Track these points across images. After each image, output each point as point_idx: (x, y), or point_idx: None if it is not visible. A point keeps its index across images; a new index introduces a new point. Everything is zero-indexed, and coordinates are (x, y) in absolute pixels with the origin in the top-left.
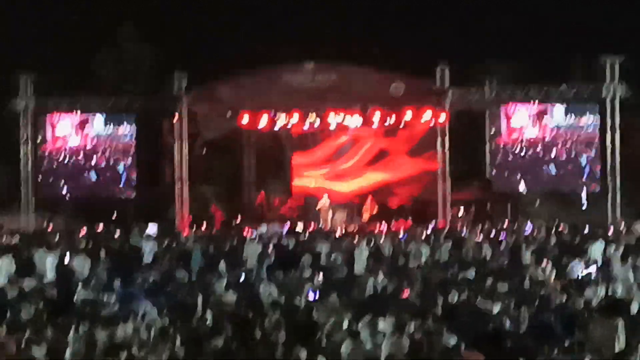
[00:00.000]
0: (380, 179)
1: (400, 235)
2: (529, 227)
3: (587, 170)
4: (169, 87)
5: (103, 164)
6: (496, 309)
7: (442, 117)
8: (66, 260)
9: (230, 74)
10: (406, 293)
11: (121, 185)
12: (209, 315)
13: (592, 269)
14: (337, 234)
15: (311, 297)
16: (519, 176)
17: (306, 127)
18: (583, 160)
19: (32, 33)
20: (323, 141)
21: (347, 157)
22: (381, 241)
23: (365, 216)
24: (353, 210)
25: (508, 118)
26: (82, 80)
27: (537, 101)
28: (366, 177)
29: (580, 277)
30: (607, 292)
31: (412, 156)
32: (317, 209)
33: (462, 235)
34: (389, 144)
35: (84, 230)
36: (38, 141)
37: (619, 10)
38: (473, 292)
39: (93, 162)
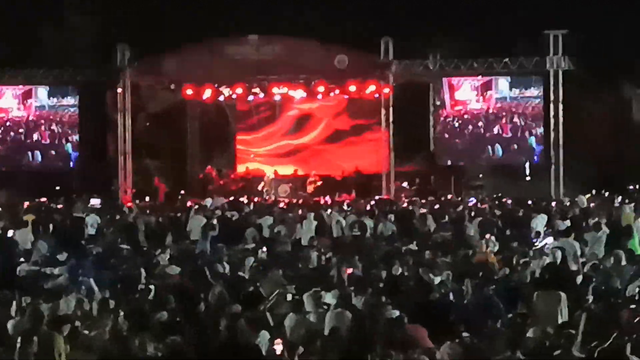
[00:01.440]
0: (322, 152)
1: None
2: (472, 200)
3: (530, 143)
4: (112, 59)
5: (46, 137)
6: (437, 280)
7: (386, 90)
8: (9, 233)
9: (173, 46)
10: (349, 271)
11: (64, 158)
12: (152, 288)
13: (549, 240)
14: (281, 207)
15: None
16: (462, 149)
17: (250, 99)
18: (527, 133)
19: None
20: (267, 114)
21: (291, 130)
22: (326, 214)
23: (310, 189)
24: (297, 183)
25: (452, 91)
26: (25, 52)
27: (480, 74)
28: (309, 151)
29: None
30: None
31: (355, 129)
32: (262, 182)
33: (405, 207)
34: (332, 117)
35: (26, 203)
36: None
37: None
38: (416, 265)
39: (36, 135)
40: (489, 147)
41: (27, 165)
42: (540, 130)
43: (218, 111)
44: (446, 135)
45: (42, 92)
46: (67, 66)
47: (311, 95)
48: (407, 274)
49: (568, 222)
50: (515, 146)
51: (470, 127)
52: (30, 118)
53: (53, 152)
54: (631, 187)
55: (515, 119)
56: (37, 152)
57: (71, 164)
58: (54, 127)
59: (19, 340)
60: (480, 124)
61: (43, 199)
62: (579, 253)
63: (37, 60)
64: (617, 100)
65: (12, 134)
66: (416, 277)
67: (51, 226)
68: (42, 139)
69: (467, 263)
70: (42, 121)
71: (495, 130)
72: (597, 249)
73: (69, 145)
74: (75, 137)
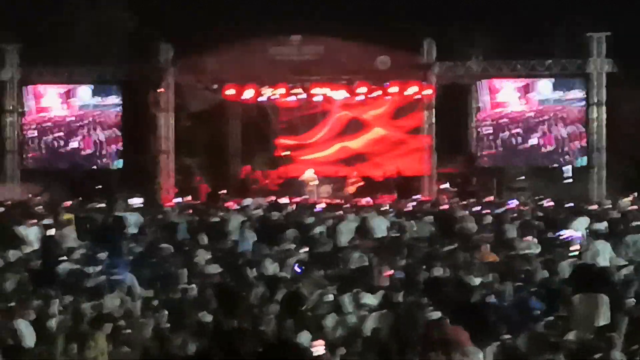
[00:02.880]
0: (361, 151)
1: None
2: (513, 202)
3: (572, 145)
4: (155, 58)
5: (89, 135)
6: (477, 282)
7: (428, 91)
8: (52, 231)
9: (216, 46)
10: (389, 272)
11: (106, 157)
12: (194, 287)
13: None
14: (322, 207)
15: (298, 270)
16: (502, 151)
17: (292, 99)
18: (569, 135)
19: (18, 3)
20: (309, 114)
21: (325, 129)
22: (367, 215)
23: (351, 189)
24: (338, 184)
25: (494, 92)
26: (68, 51)
27: (523, 75)
28: (344, 149)
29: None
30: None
31: (396, 129)
32: (303, 182)
33: (446, 209)
34: (375, 118)
35: (69, 202)
36: (25, 111)
37: None
38: (457, 266)
39: (79, 133)
40: (530, 148)
41: (70, 164)
42: (579, 130)
43: (259, 111)
44: (487, 137)
45: (85, 90)
46: (110, 65)
47: (353, 96)
48: (447, 276)
49: (606, 224)
50: (556, 147)
51: (511, 128)
52: (73, 117)
53: (96, 151)
54: None
55: (556, 120)
56: (80, 150)
57: (114, 163)
58: (97, 126)
59: (61, 338)
60: (521, 125)
61: (86, 197)
62: (612, 255)
63: (79, 58)
64: None
65: (55, 133)
66: (456, 279)
67: (92, 225)
68: (85, 138)
69: (509, 265)
70: (86, 120)
71: (537, 132)
72: (638, 252)
73: (111, 143)
74: (118, 136)
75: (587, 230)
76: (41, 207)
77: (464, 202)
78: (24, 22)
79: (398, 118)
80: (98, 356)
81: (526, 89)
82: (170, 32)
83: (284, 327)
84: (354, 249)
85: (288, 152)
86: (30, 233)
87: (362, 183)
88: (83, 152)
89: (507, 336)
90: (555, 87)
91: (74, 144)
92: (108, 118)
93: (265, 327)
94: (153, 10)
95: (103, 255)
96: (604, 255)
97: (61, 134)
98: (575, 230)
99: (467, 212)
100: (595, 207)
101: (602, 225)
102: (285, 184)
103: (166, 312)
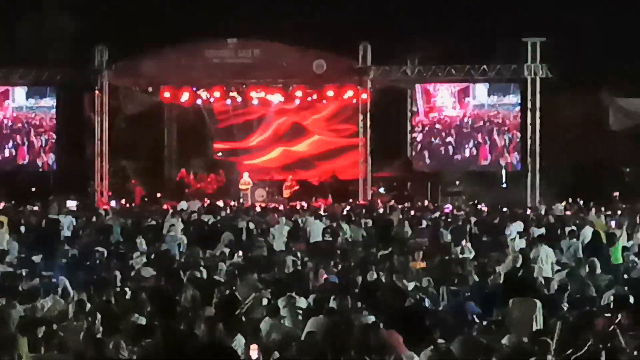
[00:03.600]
0: (301, 155)
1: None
2: (448, 207)
3: (507, 149)
4: (91, 60)
5: (23, 138)
6: (411, 286)
7: (364, 95)
8: None
9: (152, 49)
10: (324, 276)
11: (41, 159)
12: (127, 290)
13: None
14: (257, 211)
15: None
16: (438, 155)
17: (228, 102)
18: (503, 139)
19: None
20: (244, 119)
21: (266, 134)
22: (301, 219)
23: (286, 193)
24: (274, 188)
25: (429, 97)
26: (3, 52)
27: (459, 80)
28: (285, 153)
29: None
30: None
31: (333, 134)
32: (238, 186)
33: (382, 213)
34: (310, 121)
35: (1, 204)
36: None
37: None
38: (391, 271)
39: (13, 136)
40: (466, 154)
41: (2, 166)
42: (513, 135)
43: (196, 114)
44: (423, 141)
45: (20, 92)
46: (45, 67)
47: (289, 100)
48: (383, 280)
49: (543, 230)
50: (491, 152)
51: (447, 133)
52: (8, 119)
53: (30, 154)
54: (616, 194)
55: (492, 126)
56: (13, 153)
57: (48, 165)
58: (31, 128)
59: None
60: (457, 129)
61: (17, 201)
62: (554, 260)
63: (15, 60)
64: (594, 107)
65: None
66: (391, 283)
67: (26, 227)
68: (18, 140)
69: (443, 269)
70: (20, 123)
71: (472, 137)
72: (572, 257)
73: (45, 145)
74: (53, 139)
75: (519, 235)
76: None
77: (400, 206)
78: None
79: (336, 122)
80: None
81: (461, 94)
82: (105, 34)
83: (218, 330)
84: (289, 253)
85: (220, 154)
86: None
87: (297, 187)
88: (17, 154)
89: (442, 341)
90: (491, 92)
91: (8, 146)
92: (43, 120)
93: (198, 331)
94: (89, 12)
95: (37, 257)
96: (547, 260)
97: None
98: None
99: (401, 216)
100: (529, 212)
101: (539, 231)
102: (221, 187)
103: (99, 316)
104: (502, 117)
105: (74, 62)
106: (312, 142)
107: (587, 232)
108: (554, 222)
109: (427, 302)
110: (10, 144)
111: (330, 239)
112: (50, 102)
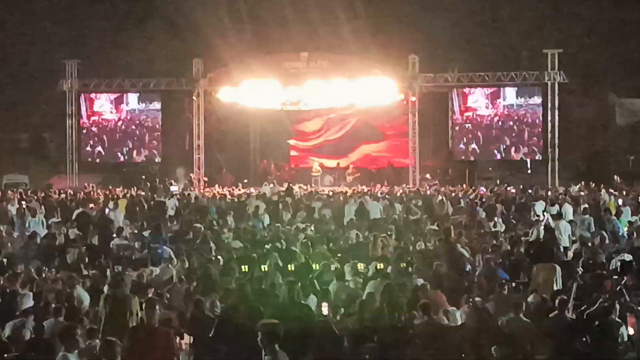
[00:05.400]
0: (364, 151)
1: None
2: (482, 189)
3: (532, 142)
4: (189, 71)
5: (135, 135)
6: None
7: (413, 99)
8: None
9: (238, 61)
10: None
11: (150, 152)
12: (220, 259)
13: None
14: (327, 194)
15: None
16: (475, 147)
17: (302, 107)
18: (529, 134)
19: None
20: (315, 119)
21: (335, 131)
22: (363, 199)
23: (349, 179)
24: (338, 174)
25: (464, 99)
26: (117, 66)
27: (491, 85)
28: (354, 150)
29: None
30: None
31: (388, 130)
32: (310, 173)
33: (429, 195)
34: (372, 123)
35: (119, 189)
36: (84, 114)
37: (560, 9)
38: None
39: (129, 134)
40: (497, 145)
41: (121, 159)
42: (537, 130)
43: (274, 115)
44: (461, 136)
45: (133, 98)
46: (152, 77)
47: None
48: (430, 249)
49: (558, 207)
50: (518, 145)
51: (480, 129)
52: (123, 119)
53: (141, 148)
54: (617, 177)
55: (519, 123)
56: (130, 146)
57: (155, 157)
58: (142, 127)
59: (102, 299)
60: (488, 126)
61: (130, 187)
62: (570, 233)
63: (128, 72)
64: (603, 107)
65: (108, 132)
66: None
67: (138, 208)
68: (133, 138)
69: (479, 241)
70: (133, 123)
71: (502, 132)
72: (585, 230)
73: (154, 142)
74: (159, 135)
75: (544, 212)
76: (97, 193)
77: (443, 189)
78: (81, 42)
79: (391, 121)
80: (132, 316)
81: (493, 96)
82: (201, 49)
83: (295, 290)
84: (353, 227)
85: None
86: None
87: (358, 174)
88: (131, 149)
89: (478, 299)
90: (518, 95)
91: (124, 142)
92: (151, 121)
93: (279, 291)
94: (188, 31)
95: (147, 233)
96: (565, 232)
97: (114, 134)
98: (536, 213)
99: (444, 197)
100: (549, 193)
101: (556, 208)
102: (295, 175)
103: (197, 280)
104: (527, 115)
105: (175, 73)
106: (374, 139)
107: (568, 209)
108: (570, 201)
109: (467, 267)
110: (128, 142)
111: (385, 216)
112: (157, 105)
